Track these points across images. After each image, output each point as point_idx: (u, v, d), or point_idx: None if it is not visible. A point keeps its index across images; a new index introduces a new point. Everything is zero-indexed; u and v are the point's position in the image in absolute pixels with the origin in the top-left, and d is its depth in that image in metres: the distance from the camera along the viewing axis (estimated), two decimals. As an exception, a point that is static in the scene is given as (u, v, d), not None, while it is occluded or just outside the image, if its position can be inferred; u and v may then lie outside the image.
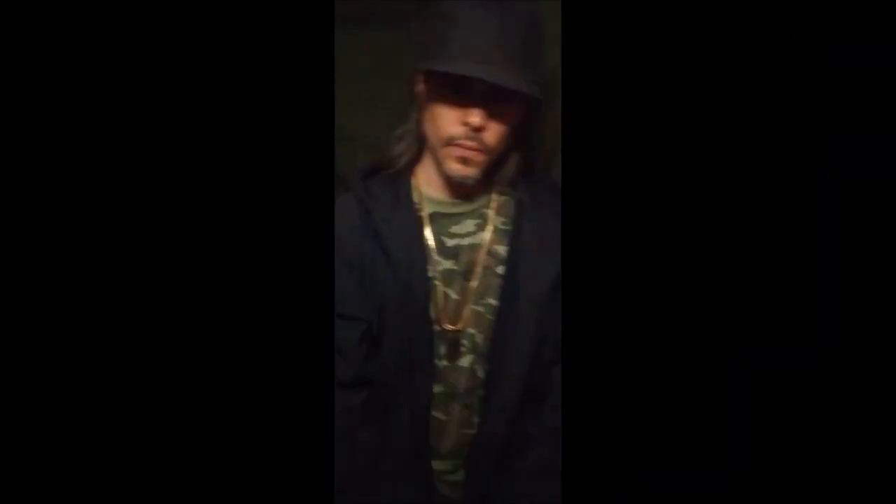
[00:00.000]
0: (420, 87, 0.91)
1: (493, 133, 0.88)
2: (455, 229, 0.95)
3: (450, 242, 0.94)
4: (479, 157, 0.89)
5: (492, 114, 0.87)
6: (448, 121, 0.88)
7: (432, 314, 0.92)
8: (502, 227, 0.95)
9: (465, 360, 0.93)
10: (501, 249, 0.94)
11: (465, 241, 0.94)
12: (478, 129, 0.87)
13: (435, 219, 0.95)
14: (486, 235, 0.95)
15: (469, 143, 0.88)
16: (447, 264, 0.93)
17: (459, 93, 0.86)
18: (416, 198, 0.95)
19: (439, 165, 0.92)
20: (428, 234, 0.94)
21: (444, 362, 0.93)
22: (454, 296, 0.93)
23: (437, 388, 0.93)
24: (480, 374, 0.93)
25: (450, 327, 0.92)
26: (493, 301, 0.93)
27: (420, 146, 0.95)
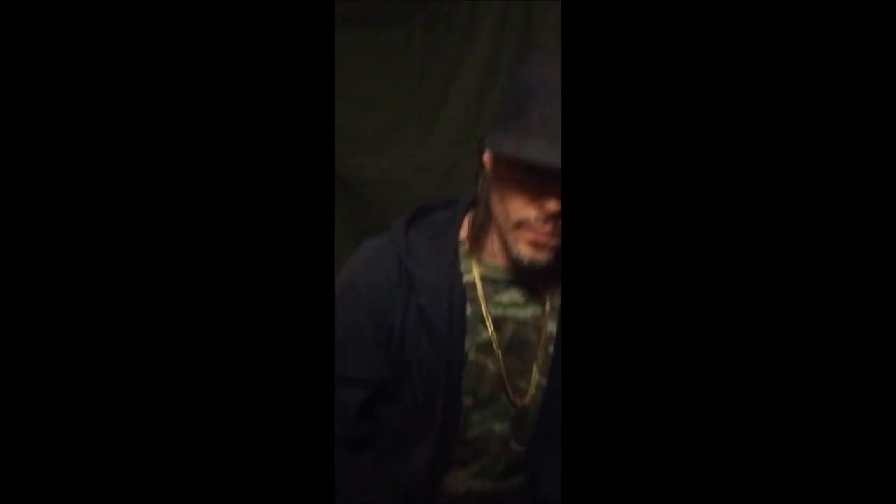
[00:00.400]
0: (489, 165, 0.84)
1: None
2: (498, 298, 0.88)
3: (493, 312, 0.88)
4: (553, 242, 0.81)
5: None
6: (521, 204, 0.81)
7: (463, 386, 0.87)
8: (550, 301, 0.89)
9: (501, 427, 0.89)
10: (550, 325, 0.88)
11: (510, 312, 0.88)
12: (555, 216, 0.79)
13: (482, 284, 0.88)
14: (534, 311, 0.89)
15: (543, 228, 0.80)
16: (486, 335, 0.87)
17: (533, 174, 0.79)
18: (464, 267, 0.88)
19: (505, 246, 0.85)
20: (469, 303, 0.87)
21: (478, 430, 0.89)
22: (492, 367, 0.87)
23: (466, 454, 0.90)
24: (513, 446, 0.90)
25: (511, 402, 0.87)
26: (539, 378, 0.88)
27: (486, 221, 0.86)
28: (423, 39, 1.31)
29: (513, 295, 0.89)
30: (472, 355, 0.87)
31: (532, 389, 0.88)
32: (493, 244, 0.88)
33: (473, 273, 0.88)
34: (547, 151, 0.75)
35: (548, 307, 0.89)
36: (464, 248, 0.89)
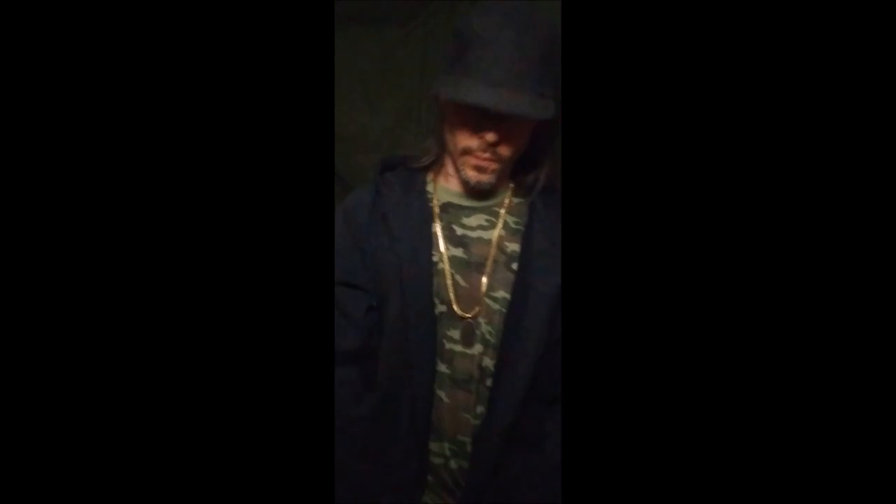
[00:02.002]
0: (441, 102, 0.96)
1: (508, 147, 0.94)
2: (466, 221, 0.99)
3: (459, 231, 0.98)
4: (493, 166, 0.95)
5: (506, 131, 0.92)
6: (465, 135, 0.94)
7: (438, 297, 0.95)
8: (514, 225, 0.99)
9: (475, 349, 0.95)
10: (512, 246, 0.98)
11: (474, 234, 0.98)
12: (493, 144, 0.93)
13: (446, 209, 1.00)
14: (497, 231, 0.98)
15: (484, 155, 0.94)
16: (456, 252, 0.97)
17: (475, 112, 0.91)
18: (430, 189, 1.01)
19: (458, 170, 0.98)
20: (437, 221, 0.98)
21: (458, 347, 0.95)
22: (463, 283, 0.96)
23: (441, 369, 0.95)
24: (487, 364, 0.95)
25: (463, 314, 0.95)
26: (505, 295, 0.95)
27: (441, 151, 1.01)
28: (423, 39, 1.31)
29: (479, 219, 1.00)
30: (441, 266, 0.97)
31: (500, 308, 0.96)
32: (448, 170, 1.02)
33: (439, 198, 1.01)
34: (479, 93, 0.87)
35: (501, 225, 1.00)
36: (430, 178, 1.03)
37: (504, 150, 0.94)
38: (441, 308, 0.95)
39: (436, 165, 1.02)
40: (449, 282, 0.95)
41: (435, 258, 0.96)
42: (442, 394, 0.95)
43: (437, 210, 0.99)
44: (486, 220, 0.99)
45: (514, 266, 0.96)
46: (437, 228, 0.98)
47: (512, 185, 1.01)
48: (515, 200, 1.01)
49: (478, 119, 0.91)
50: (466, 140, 0.94)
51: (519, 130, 0.93)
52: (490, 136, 0.91)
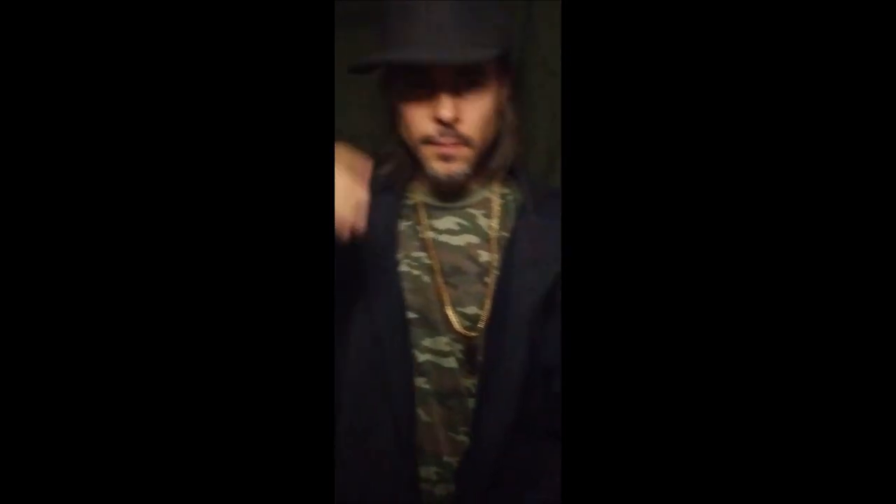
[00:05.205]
0: (386, 89, 0.88)
1: (470, 124, 0.84)
2: (436, 223, 0.91)
3: (427, 234, 0.89)
4: (461, 152, 0.85)
5: (462, 102, 0.83)
6: (420, 121, 0.85)
7: (408, 303, 0.88)
8: (490, 231, 0.90)
9: (450, 362, 0.89)
10: (486, 256, 0.89)
11: (441, 238, 0.90)
12: (451, 123, 0.83)
13: (417, 209, 0.91)
14: (469, 239, 0.90)
15: (446, 140, 0.84)
16: (422, 255, 0.89)
17: (422, 86, 0.83)
18: (409, 188, 0.93)
19: (425, 167, 0.87)
20: (405, 220, 0.90)
21: (434, 358, 0.88)
22: (433, 294, 0.88)
23: (419, 383, 0.88)
24: (465, 381, 0.88)
25: (466, 334, 0.87)
26: (477, 311, 0.88)
27: (405, 151, 0.91)
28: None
29: (448, 222, 0.91)
30: (405, 267, 0.89)
31: (464, 320, 0.88)
32: (418, 171, 0.91)
33: (415, 198, 0.92)
34: (422, 54, 0.80)
35: (490, 237, 0.90)
36: (408, 179, 0.93)
37: (466, 129, 0.84)
38: (412, 315, 0.88)
39: (405, 170, 0.92)
40: (418, 286, 0.88)
41: (402, 262, 0.88)
42: (422, 411, 0.88)
43: (408, 209, 0.90)
44: (457, 224, 0.91)
45: (486, 279, 0.88)
46: (403, 228, 0.90)
47: (495, 184, 0.91)
48: (497, 201, 0.92)
49: (428, 94, 0.83)
50: (423, 126, 0.84)
51: (475, 103, 0.84)
52: (445, 112, 0.82)
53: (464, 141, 0.85)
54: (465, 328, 0.87)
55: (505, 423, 0.87)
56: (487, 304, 0.88)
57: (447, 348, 0.89)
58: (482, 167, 0.90)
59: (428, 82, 0.83)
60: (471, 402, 0.88)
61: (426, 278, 0.89)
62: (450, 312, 0.87)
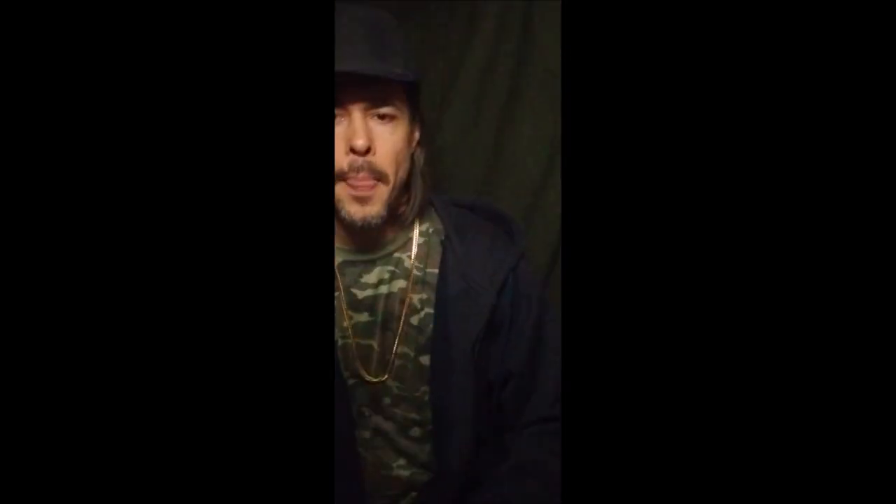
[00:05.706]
0: None
1: (382, 155, 0.82)
2: (366, 279, 0.89)
3: (361, 294, 0.88)
4: (376, 192, 0.83)
5: (374, 134, 0.82)
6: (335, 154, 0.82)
7: (348, 370, 0.88)
8: (417, 272, 0.90)
9: (397, 410, 0.89)
10: (416, 299, 0.89)
11: (377, 291, 0.89)
12: (363, 152, 0.81)
13: (343, 270, 0.89)
14: (400, 284, 0.90)
15: (361, 176, 0.82)
16: (362, 317, 0.89)
17: (335, 117, 0.81)
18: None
19: (338, 213, 0.84)
20: (336, 288, 0.87)
21: (367, 412, 0.90)
22: (377, 348, 0.89)
23: (365, 434, 0.89)
24: (414, 416, 0.89)
25: (371, 379, 0.88)
26: (413, 353, 0.89)
27: None
28: (423, 39, 1.31)
29: (380, 272, 0.89)
30: (344, 340, 0.88)
31: (397, 362, 0.89)
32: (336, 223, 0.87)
33: (336, 258, 0.89)
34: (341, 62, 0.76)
35: (419, 277, 0.90)
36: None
37: (379, 162, 0.82)
38: (351, 381, 0.88)
39: None
40: (355, 350, 0.87)
41: (337, 333, 0.86)
42: (362, 450, 0.89)
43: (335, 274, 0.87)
44: (389, 272, 0.89)
45: (414, 321, 0.87)
46: (338, 295, 0.87)
47: (415, 224, 0.90)
48: (417, 240, 0.91)
49: (340, 131, 0.81)
50: (337, 161, 0.81)
51: (387, 136, 0.82)
52: (359, 141, 0.79)
53: (377, 176, 0.83)
54: (374, 375, 0.88)
55: (464, 452, 0.88)
56: (424, 343, 0.89)
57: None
58: (395, 211, 0.88)
59: (342, 113, 0.81)
60: (414, 433, 0.89)
61: (374, 343, 0.89)
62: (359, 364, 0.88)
